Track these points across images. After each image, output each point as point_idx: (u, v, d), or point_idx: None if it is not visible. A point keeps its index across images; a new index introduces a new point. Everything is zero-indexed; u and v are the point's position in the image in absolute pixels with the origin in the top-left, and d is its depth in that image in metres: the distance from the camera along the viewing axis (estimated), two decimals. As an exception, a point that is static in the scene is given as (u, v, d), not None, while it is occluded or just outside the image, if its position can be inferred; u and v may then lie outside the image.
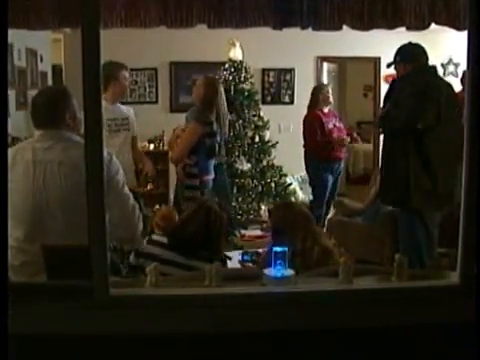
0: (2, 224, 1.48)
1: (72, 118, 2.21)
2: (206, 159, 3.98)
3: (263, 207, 5.72)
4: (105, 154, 1.69)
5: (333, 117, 5.25)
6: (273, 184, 5.77)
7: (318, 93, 5.15)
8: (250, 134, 5.75)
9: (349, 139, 5.28)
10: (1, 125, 1.49)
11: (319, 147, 5.03)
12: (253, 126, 5.76)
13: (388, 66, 3.27)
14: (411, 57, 3.08)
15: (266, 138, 5.83)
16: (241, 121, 5.69)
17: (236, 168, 5.60)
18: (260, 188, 5.72)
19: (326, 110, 5.17)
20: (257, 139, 5.77)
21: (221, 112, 4.16)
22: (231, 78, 5.75)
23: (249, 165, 5.72)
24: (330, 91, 5.21)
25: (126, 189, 2.21)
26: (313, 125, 5.05)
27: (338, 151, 5.13)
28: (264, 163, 5.77)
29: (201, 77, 4.17)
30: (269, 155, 5.80)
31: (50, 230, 2.10)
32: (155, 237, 2.54)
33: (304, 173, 5.54)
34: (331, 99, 5.20)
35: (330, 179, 5.13)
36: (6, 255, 1.52)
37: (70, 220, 2.08)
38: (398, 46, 3.18)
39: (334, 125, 5.16)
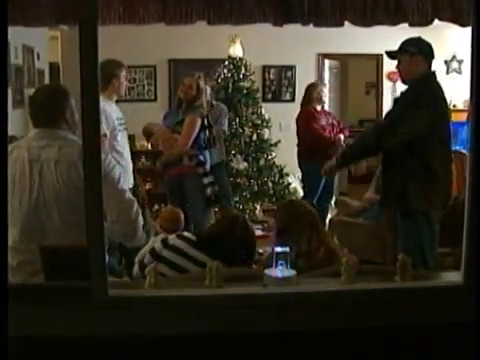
0: (2, 224, 1.46)
1: (71, 117, 2.20)
2: (204, 150, 4.20)
3: (258, 207, 5.68)
4: (102, 155, 1.67)
5: (326, 115, 5.20)
6: (270, 183, 5.71)
7: (312, 91, 5.10)
8: (248, 132, 5.70)
9: (344, 138, 5.17)
10: (1, 125, 1.47)
11: (311, 144, 4.99)
12: (251, 124, 5.71)
13: (391, 56, 3.10)
14: (417, 47, 2.95)
15: (265, 136, 5.78)
16: (238, 119, 5.65)
17: (231, 167, 5.55)
18: (256, 188, 5.66)
19: (319, 108, 5.13)
20: (255, 137, 5.72)
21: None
22: (230, 75, 5.71)
23: (245, 164, 5.66)
24: (324, 90, 5.17)
25: (122, 184, 2.19)
26: (305, 122, 5.02)
27: (331, 149, 5.07)
28: (262, 162, 5.71)
29: (188, 77, 4.26)
30: (269, 154, 5.75)
31: (47, 229, 2.08)
32: (186, 234, 2.52)
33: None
34: (325, 98, 5.16)
35: (323, 177, 5.08)
36: (6, 256, 1.50)
37: (67, 219, 2.07)
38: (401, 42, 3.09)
39: (327, 123, 5.11)
